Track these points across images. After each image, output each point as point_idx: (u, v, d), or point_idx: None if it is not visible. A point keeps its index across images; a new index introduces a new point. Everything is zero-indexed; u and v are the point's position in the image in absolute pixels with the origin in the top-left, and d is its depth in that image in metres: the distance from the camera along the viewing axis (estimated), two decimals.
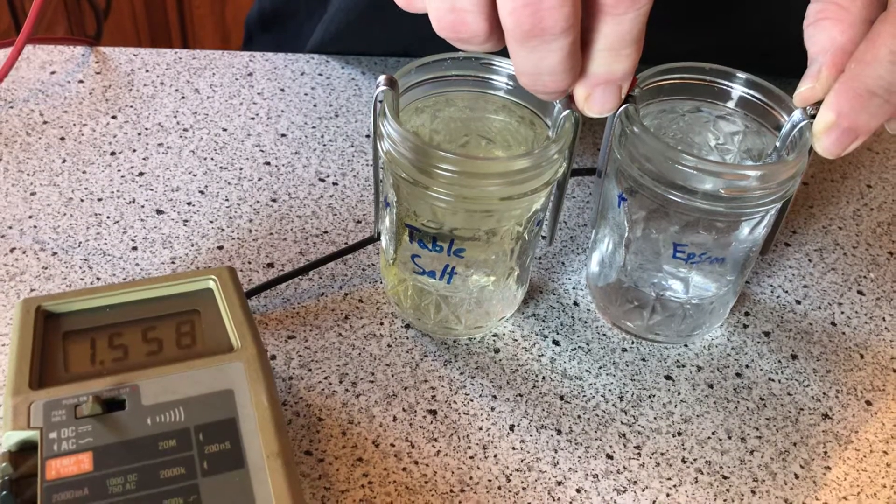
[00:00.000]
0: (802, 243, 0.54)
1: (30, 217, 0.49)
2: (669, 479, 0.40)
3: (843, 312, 0.50)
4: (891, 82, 0.33)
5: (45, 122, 0.56)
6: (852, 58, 0.34)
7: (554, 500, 0.39)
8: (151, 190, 0.52)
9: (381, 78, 0.39)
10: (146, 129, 0.56)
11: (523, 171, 0.37)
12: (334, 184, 0.54)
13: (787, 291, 0.50)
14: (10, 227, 0.48)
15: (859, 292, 0.51)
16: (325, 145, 0.56)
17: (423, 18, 0.33)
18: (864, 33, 0.34)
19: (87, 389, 0.34)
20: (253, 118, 0.58)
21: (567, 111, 0.39)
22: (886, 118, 0.34)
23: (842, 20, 0.34)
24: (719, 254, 0.42)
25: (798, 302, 0.50)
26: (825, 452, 0.42)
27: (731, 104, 0.44)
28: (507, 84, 0.42)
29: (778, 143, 0.42)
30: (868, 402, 0.45)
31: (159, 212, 0.50)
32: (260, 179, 0.53)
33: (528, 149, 0.42)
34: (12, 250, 0.47)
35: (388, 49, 0.65)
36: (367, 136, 0.57)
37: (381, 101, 0.39)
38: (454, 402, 0.42)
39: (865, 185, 0.59)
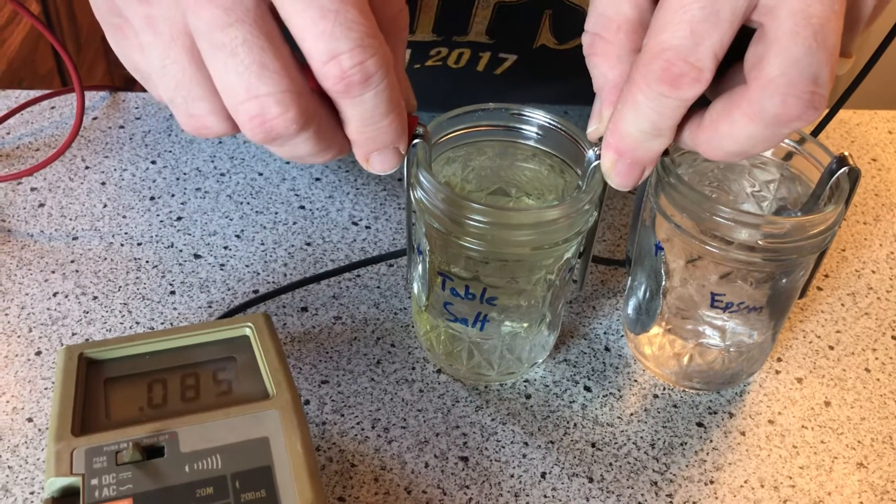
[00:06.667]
0: (835, 287, 0.54)
1: (72, 261, 0.50)
2: None
3: (877, 358, 0.49)
4: (654, 123, 0.32)
5: (87, 168, 0.57)
6: (618, 98, 0.33)
7: None
8: (189, 234, 0.53)
9: (416, 129, 0.40)
10: (184, 173, 0.57)
11: (554, 222, 0.38)
12: (367, 227, 0.54)
13: (819, 337, 0.50)
14: (53, 272, 0.50)
15: (893, 337, 0.51)
16: (357, 189, 0.57)
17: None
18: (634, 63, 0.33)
19: (127, 436, 0.35)
20: (288, 162, 0.59)
21: (598, 161, 0.40)
22: (664, 146, 0.33)
23: (608, 55, 0.34)
24: (757, 302, 0.42)
25: (831, 347, 0.50)
26: (860, 502, 0.42)
27: (766, 153, 0.44)
28: (537, 133, 0.43)
29: (818, 188, 0.41)
30: None
31: (197, 256, 0.52)
32: (295, 223, 0.54)
33: (558, 196, 0.43)
34: (55, 294, 0.48)
35: None
36: (400, 180, 0.58)
37: (414, 147, 0.40)
38: (486, 448, 0.43)
39: None
